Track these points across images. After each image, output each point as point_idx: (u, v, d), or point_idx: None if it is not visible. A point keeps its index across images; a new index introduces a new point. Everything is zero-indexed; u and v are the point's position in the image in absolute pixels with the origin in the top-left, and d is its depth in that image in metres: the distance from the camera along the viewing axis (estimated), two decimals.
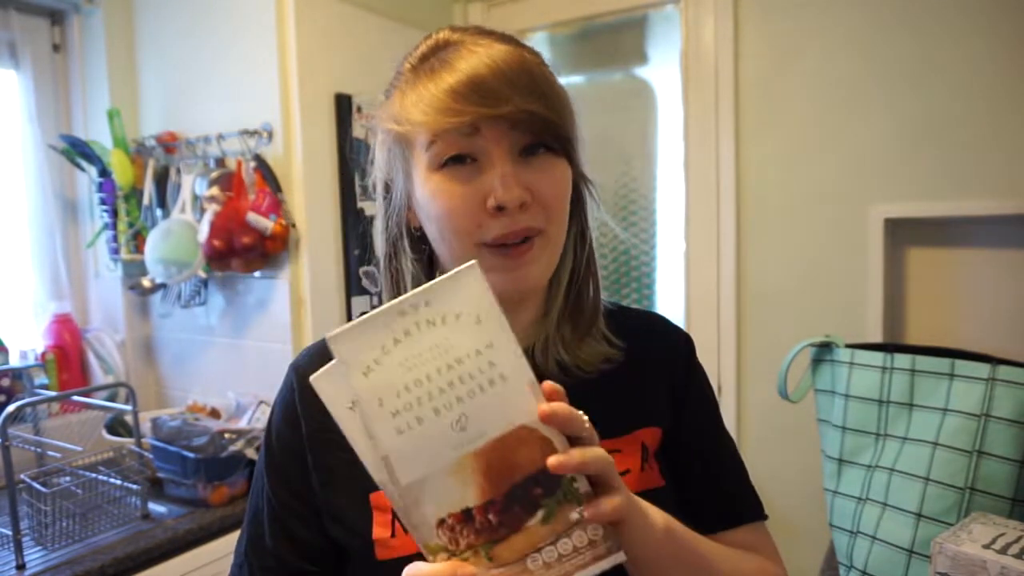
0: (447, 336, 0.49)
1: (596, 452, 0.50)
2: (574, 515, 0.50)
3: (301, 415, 0.69)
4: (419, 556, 0.58)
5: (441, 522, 0.50)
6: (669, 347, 0.78)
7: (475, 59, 0.62)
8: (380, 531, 0.64)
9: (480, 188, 0.62)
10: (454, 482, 0.50)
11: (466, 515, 0.50)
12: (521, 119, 0.61)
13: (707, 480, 0.75)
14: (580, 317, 0.71)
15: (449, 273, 0.50)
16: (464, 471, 0.50)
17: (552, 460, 0.48)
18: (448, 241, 0.64)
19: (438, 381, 0.49)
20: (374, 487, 0.60)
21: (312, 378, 0.50)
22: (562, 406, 0.50)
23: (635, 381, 0.73)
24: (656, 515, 0.56)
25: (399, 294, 0.61)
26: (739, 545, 0.72)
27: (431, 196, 0.64)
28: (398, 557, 0.62)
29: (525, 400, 0.50)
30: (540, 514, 0.50)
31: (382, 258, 0.72)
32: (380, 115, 0.69)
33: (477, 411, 0.50)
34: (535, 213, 0.63)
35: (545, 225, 0.64)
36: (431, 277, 0.67)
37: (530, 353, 0.69)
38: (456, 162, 0.62)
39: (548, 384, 0.51)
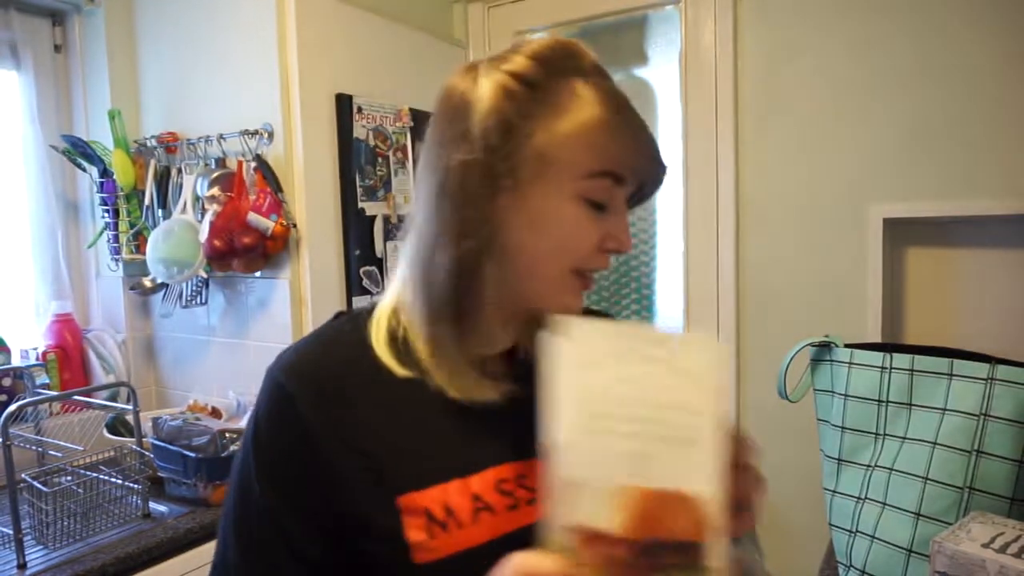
0: (674, 384, 0.52)
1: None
2: None
3: (308, 423, 0.63)
4: (461, 556, 0.59)
5: (575, 528, 0.51)
6: None
7: (641, 119, 0.66)
8: (416, 534, 0.61)
9: (602, 229, 0.65)
10: (608, 503, 0.51)
11: (601, 537, 0.50)
12: (655, 181, 0.68)
13: None
14: None
15: (705, 336, 0.55)
16: (622, 499, 0.51)
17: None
18: (551, 259, 0.65)
19: (644, 413, 0.52)
20: (401, 490, 0.61)
21: (555, 329, 0.53)
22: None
23: None
24: None
25: (440, 285, 0.64)
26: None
27: (562, 219, 0.64)
28: (439, 559, 0.61)
29: (705, 473, 0.52)
30: None
31: (429, 245, 0.65)
32: (530, 110, 0.63)
33: (662, 457, 0.51)
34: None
35: None
36: (464, 279, 0.65)
37: (518, 357, 0.72)
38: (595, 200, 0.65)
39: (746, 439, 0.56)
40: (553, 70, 0.64)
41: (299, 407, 0.63)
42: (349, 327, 0.70)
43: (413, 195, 0.73)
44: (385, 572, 0.63)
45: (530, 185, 0.63)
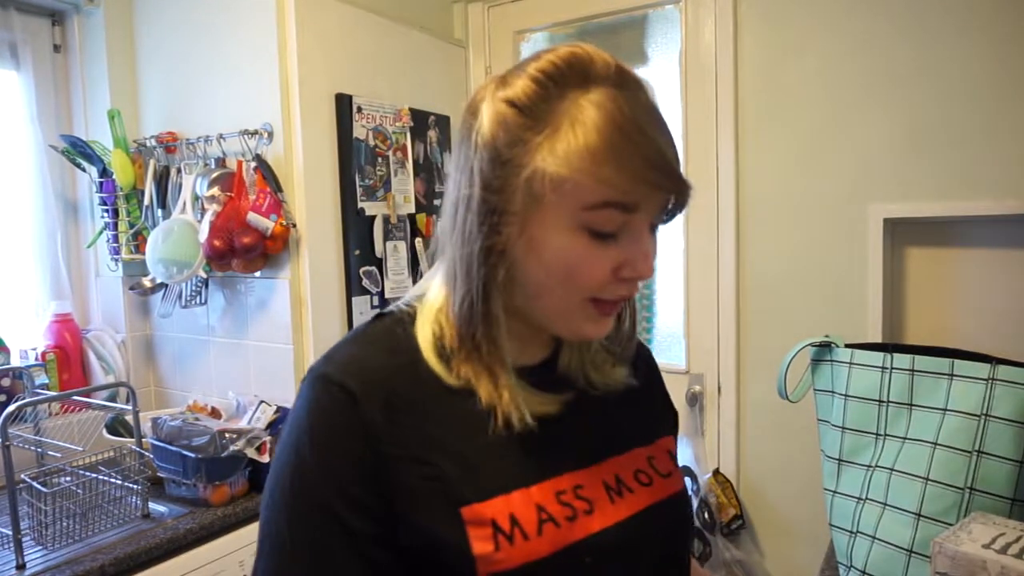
0: None
1: None
2: None
3: (373, 428, 0.60)
4: (526, 568, 0.59)
5: None
6: (649, 358, 0.85)
7: (655, 128, 0.60)
8: (481, 546, 0.59)
9: (618, 256, 0.62)
10: None
11: None
12: (677, 202, 0.63)
13: None
14: (616, 345, 0.75)
15: None
16: None
17: None
18: (560, 290, 0.63)
19: None
20: (463, 501, 0.60)
21: None
22: None
23: (647, 393, 0.79)
24: None
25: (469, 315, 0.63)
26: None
27: (563, 254, 0.61)
28: (504, 571, 0.60)
29: None
30: None
31: (465, 271, 0.64)
32: (522, 138, 0.60)
33: None
34: (639, 284, 0.66)
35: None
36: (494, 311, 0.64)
37: (561, 366, 0.72)
38: (599, 231, 0.61)
39: None
40: (554, 89, 0.60)
41: (364, 411, 0.61)
42: (400, 331, 0.67)
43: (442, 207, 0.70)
44: None
45: (528, 218, 0.61)
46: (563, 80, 0.60)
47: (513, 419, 0.63)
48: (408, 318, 0.68)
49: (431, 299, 0.69)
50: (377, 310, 1.88)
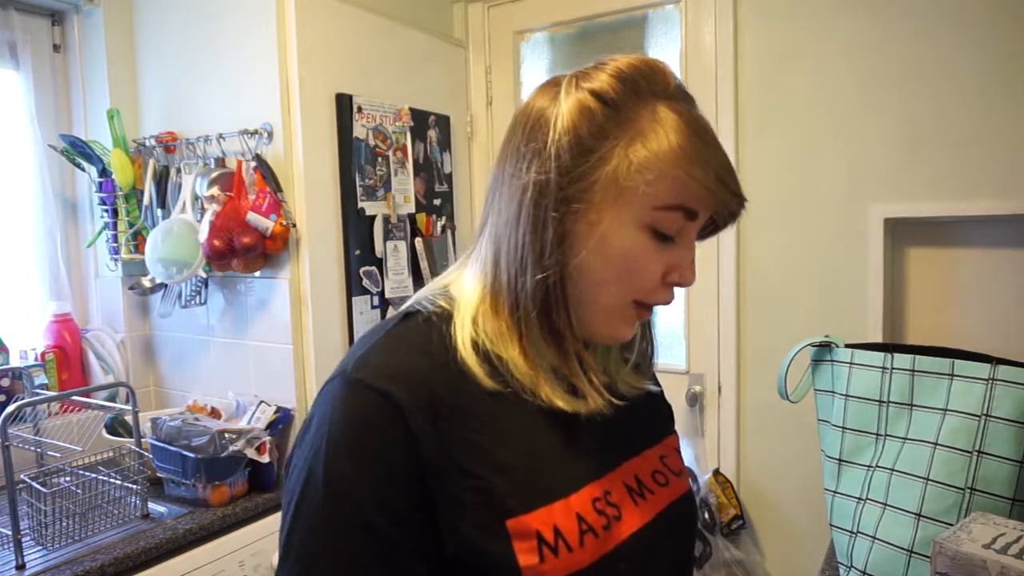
0: None
1: None
2: None
3: (418, 437, 0.58)
4: None
5: None
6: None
7: (723, 149, 0.64)
8: (527, 558, 0.58)
9: (669, 261, 0.64)
10: None
11: None
12: (731, 215, 0.65)
13: None
14: (633, 352, 0.76)
15: None
16: None
17: None
18: (615, 287, 0.63)
19: None
20: (509, 513, 0.59)
21: None
22: None
23: (651, 394, 0.79)
24: None
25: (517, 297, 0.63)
26: None
27: (629, 249, 0.62)
28: None
29: None
30: None
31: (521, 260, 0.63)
32: (608, 131, 0.61)
33: None
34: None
35: None
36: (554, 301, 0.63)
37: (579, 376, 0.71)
38: (663, 232, 0.63)
39: None
40: (636, 91, 0.61)
41: (410, 419, 0.58)
42: (434, 332, 0.64)
43: (487, 200, 0.69)
44: None
45: (601, 209, 0.61)
46: (644, 83, 0.62)
47: (548, 423, 0.64)
48: (437, 317, 0.65)
49: (468, 296, 0.67)
50: (378, 310, 1.90)
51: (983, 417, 1.08)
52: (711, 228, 0.67)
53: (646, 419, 0.77)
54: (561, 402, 0.63)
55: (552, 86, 0.64)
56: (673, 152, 0.60)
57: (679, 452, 0.80)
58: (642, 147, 0.60)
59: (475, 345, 0.63)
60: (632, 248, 0.62)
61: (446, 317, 0.65)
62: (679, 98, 0.63)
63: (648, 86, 0.62)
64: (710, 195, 0.61)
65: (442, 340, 0.63)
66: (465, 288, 0.67)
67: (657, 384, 0.84)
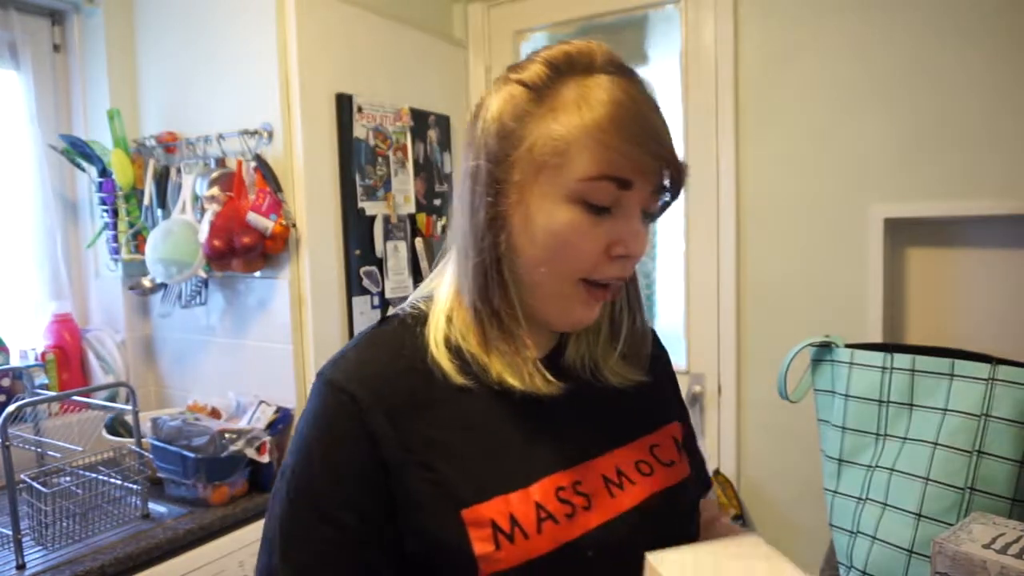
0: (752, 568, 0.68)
1: None
2: None
3: (378, 434, 0.62)
4: (526, 566, 0.60)
5: None
6: (657, 344, 0.85)
7: (651, 111, 0.64)
8: (482, 546, 0.60)
9: (609, 233, 0.63)
10: None
11: None
12: (672, 189, 0.65)
13: (692, 456, 0.82)
14: (620, 342, 0.76)
15: (758, 537, 0.68)
16: None
17: None
18: (551, 269, 0.64)
19: None
20: (463, 503, 0.61)
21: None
22: None
23: (653, 380, 0.79)
24: None
25: (481, 288, 0.65)
26: (706, 503, 0.86)
27: (555, 225, 0.62)
28: (504, 570, 0.61)
29: None
30: None
31: (469, 254, 0.65)
32: (528, 112, 0.63)
33: None
34: (631, 265, 0.67)
35: (629, 276, 0.68)
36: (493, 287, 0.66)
37: (568, 359, 0.73)
38: (593, 203, 0.62)
39: None
40: (558, 72, 0.63)
41: (368, 418, 0.62)
42: (407, 334, 0.68)
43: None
44: None
45: (528, 189, 0.63)
46: (571, 65, 0.63)
47: (538, 383, 0.65)
48: (412, 319, 0.69)
49: (442, 299, 0.70)
50: (378, 310, 1.90)
51: (983, 417, 1.08)
52: (661, 201, 0.67)
53: (643, 406, 0.77)
54: (514, 380, 0.65)
55: (494, 84, 0.67)
56: (586, 123, 0.61)
57: (678, 442, 0.78)
58: (554, 122, 0.61)
59: (447, 342, 0.66)
60: (560, 224, 0.62)
61: (422, 319, 0.69)
62: (609, 72, 0.63)
63: (572, 66, 0.63)
64: (631, 163, 0.61)
65: (414, 341, 0.67)
66: (444, 290, 0.71)
67: (661, 374, 0.82)
